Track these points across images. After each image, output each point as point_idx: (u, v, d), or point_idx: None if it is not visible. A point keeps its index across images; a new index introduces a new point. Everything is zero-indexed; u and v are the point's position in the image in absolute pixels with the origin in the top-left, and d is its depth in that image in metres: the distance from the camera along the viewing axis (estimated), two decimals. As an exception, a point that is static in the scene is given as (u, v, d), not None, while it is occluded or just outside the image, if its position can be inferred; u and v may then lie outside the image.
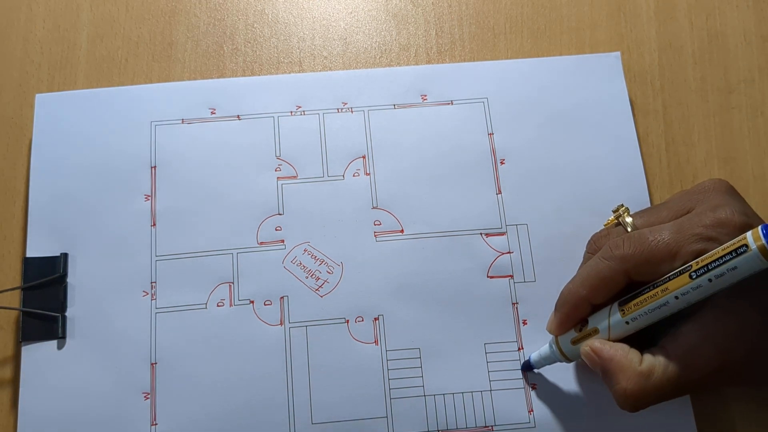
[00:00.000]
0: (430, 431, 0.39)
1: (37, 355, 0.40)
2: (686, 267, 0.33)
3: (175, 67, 0.47)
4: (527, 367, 0.40)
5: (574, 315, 0.37)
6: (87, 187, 0.43)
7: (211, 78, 0.46)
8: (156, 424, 0.39)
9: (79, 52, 0.47)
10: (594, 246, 0.39)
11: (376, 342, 0.41)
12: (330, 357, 0.40)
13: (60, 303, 0.41)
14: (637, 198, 0.43)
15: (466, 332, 0.41)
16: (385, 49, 0.48)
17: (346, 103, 0.45)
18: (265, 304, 0.41)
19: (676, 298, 0.34)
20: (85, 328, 0.41)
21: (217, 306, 0.41)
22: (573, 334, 0.37)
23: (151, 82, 0.46)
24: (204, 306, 0.41)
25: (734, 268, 0.32)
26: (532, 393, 0.40)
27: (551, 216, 0.43)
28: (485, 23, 0.48)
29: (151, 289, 0.41)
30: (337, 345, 0.41)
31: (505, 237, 0.43)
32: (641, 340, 0.36)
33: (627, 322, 0.35)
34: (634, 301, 0.35)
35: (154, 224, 0.42)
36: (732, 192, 0.36)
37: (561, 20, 0.48)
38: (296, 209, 0.43)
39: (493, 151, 0.44)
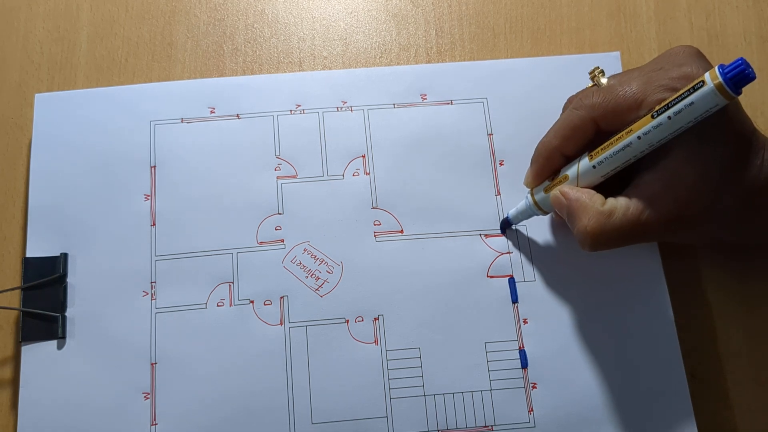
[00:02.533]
0: (430, 431, 0.39)
1: (37, 355, 0.40)
2: (649, 111, 0.36)
3: (175, 67, 0.47)
4: (506, 225, 0.43)
5: (548, 166, 0.40)
6: (87, 186, 0.43)
7: (211, 78, 0.46)
8: (156, 424, 0.39)
9: (79, 52, 0.47)
10: (568, 104, 0.41)
11: (376, 342, 0.41)
12: (330, 357, 0.40)
13: (60, 303, 0.41)
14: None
15: (466, 332, 0.41)
16: (385, 49, 0.48)
17: (345, 102, 0.45)
18: (264, 304, 0.41)
19: (639, 138, 0.36)
20: (85, 328, 0.41)
21: (217, 306, 0.41)
22: (547, 185, 0.40)
23: (150, 82, 0.46)
24: (204, 306, 0.41)
25: (691, 103, 0.34)
26: (532, 393, 0.40)
27: (551, 216, 0.43)
28: (485, 23, 0.48)
29: (151, 289, 0.41)
30: (337, 345, 0.41)
31: (504, 237, 0.43)
32: (609, 195, 0.38)
33: (594, 166, 0.38)
34: (602, 146, 0.37)
35: (154, 224, 0.42)
36: (700, 55, 0.37)
37: (561, 20, 0.48)
38: (296, 209, 0.43)
39: (493, 152, 0.44)
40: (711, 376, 0.41)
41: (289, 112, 0.45)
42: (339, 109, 0.45)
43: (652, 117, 0.35)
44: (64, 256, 0.41)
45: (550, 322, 0.41)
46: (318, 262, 0.42)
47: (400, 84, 0.46)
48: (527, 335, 0.41)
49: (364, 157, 0.44)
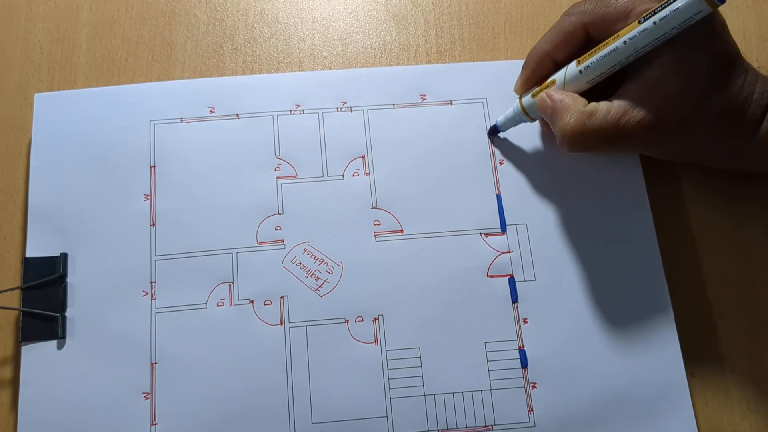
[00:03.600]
0: (430, 431, 0.39)
1: (37, 355, 0.40)
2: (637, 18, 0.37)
3: (174, 67, 0.47)
4: (494, 131, 0.44)
5: (538, 71, 0.42)
6: (87, 186, 0.43)
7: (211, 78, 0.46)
8: (156, 424, 0.39)
9: (79, 52, 0.47)
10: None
11: (376, 342, 0.41)
12: (330, 357, 0.40)
13: (60, 303, 0.41)
14: (637, 197, 0.43)
15: (466, 331, 0.41)
16: (385, 49, 0.48)
17: (345, 103, 0.45)
18: (264, 304, 0.41)
19: (625, 42, 0.37)
20: (85, 328, 0.41)
21: (217, 306, 0.41)
22: (535, 90, 0.41)
23: (150, 81, 0.46)
24: (204, 306, 0.41)
25: (676, 9, 0.35)
26: (533, 392, 0.40)
27: (551, 215, 0.43)
28: (485, 23, 0.48)
29: (151, 289, 0.41)
30: (337, 345, 0.41)
31: (504, 237, 0.43)
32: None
33: (581, 71, 0.39)
34: (589, 52, 0.39)
35: (154, 224, 0.42)
36: None
37: (561, 20, 0.48)
38: (296, 209, 0.43)
39: (492, 152, 0.44)
40: (711, 376, 0.41)
41: (288, 112, 0.45)
42: (339, 109, 0.45)
43: (639, 22, 0.37)
44: (64, 256, 0.41)
45: (550, 322, 0.41)
46: (318, 262, 0.42)
47: (399, 84, 0.46)
48: (527, 335, 0.41)
49: (363, 157, 0.44)
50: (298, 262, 0.42)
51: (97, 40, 0.47)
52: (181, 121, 0.44)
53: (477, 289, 0.42)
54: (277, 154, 0.44)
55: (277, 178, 0.44)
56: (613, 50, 0.38)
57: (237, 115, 0.45)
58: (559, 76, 0.40)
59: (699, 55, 0.37)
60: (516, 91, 0.43)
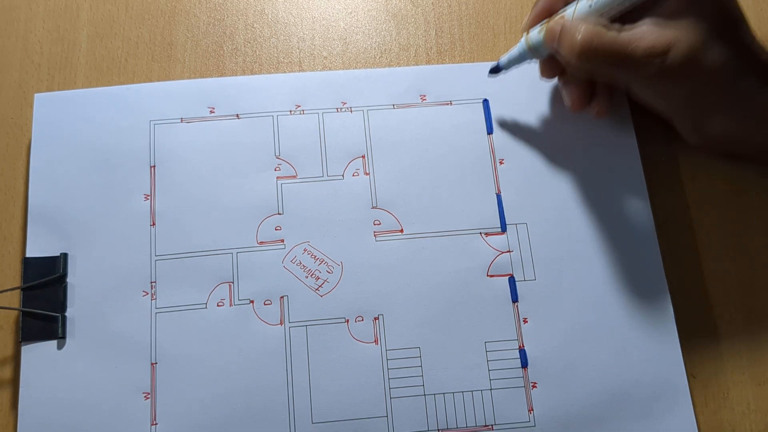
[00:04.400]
0: (430, 430, 0.39)
1: (37, 355, 0.40)
2: None
3: (174, 67, 0.47)
4: (496, 69, 0.44)
5: (547, 7, 0.41)
6: (86, 186, 0.43)
7: (211, 78, 0.46)
8: (156, 424, 0.39)
9: (79, 52, 0.47)
10: None
11: (376, 341, 0.41)
12: (330, 357, 0.40)
13: (60, 303, 0.41)
14: (637, 197, 0.43)
15: (466, 331, 0.41)
16: (385, 49, 0.48)
17: (345, 103, 0.45)
18: (265, 304, 0.41)
19: None
20: (85, 328, 0.40)
21: (217, 306, 0.41)
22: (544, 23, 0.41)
23: (150, 82, 0.46)
24: (204, 306, 0.41)
25: None
26: (533, 392, 0.40)
27: (551, 215, 0.43)
28: (485, 23, 0.48)
29: (151, 289, 0.41)
30: (337, 344, 0.41)
31: (504, 236, 0.43)
32: None
33: (591, 5, 0.39)
34: None
35: (154, 224, 0.42)
36: None
37: (561, 20, 0.48)
38: (296, 209, 0.43)
39: (492, 151, 0.44)
40: (711, 376, 0.41)
41: (288, 113, 0.45)
42: (339, 109, 0.45)
43: None
44: (64, 256, 0.41)
45: (550, 322, 0.41)
46: (318, 262, 0.42)
47: (399, 85, 0.46)
48: (527, 335, 0.41)
49: (363, 157, 0.44)
50: (298, 262, 0.42)
51: (97, 40, 0.47)
52: (181, 121, 0.44)
53: (477, 289, 0.42)
54: (277, 154, 0.44)
55: (277, 178, 0.44)
56: None
57: (237, 115, 0.45)
58: (568, 12, 0.40)
59: (712, 3, 0.38)
60: (523, 29, 0.42)
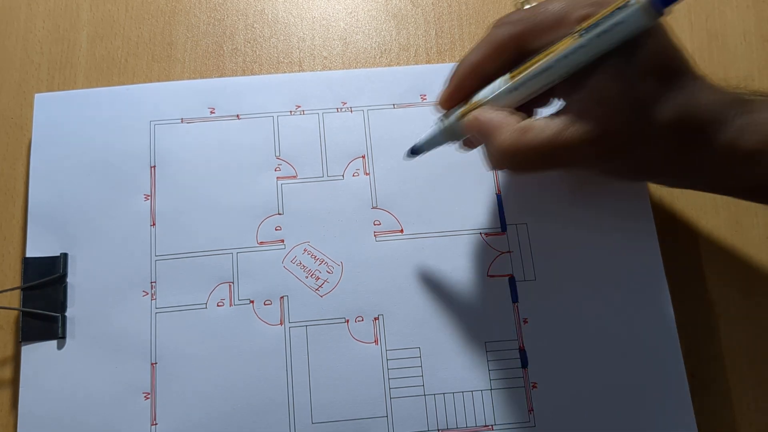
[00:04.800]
0: (430, 430, 0.39)
1: (37, 355, 0.40)
2: (574, 30, 0.34)
3: (174, 67, 0.47)
4: (414, 152, 0.40)
5: (465, 84, 0.37)
6: (87, 186, 0.43)
7: (211, 78, 0.46)
8: (156, 424, 0.39)
9: (79, 52, 0.47)
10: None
11: (376, 342, 0.41)
12: (330, 357, 0.40)
13: (60, 303, 0.41)
14: (637, 197, 0.43)
15: (466, 331, 0.41)
16: (385, 49, 0.48)
17: (345, 103, 0.45)
18: (265, 304, 0.41)
19: (563, 58, 0.34)
20: (85, 328, 0.41)
21: (217, 306, 0.41)
22: (462, 108, 0.37)
23: (150, 82, 0.46)
24: (204, 306, 0.41)
25: (618, 23, 0.32)
26: (533, 392, 0.40)
27: (551, 215, 0.43)
28: (485, 23, 0.48)
29: (151, 289, 0.41)
30: (337, 345, 0.41)
31: (504, 236, 0.43)
32: None
33: (514, 89, 0.35)
34: (521, 68, 0.35)
35: (154, 224, 0.42)
36: None
37: (561, 20, 0.48)
38: (296, 209, 0.43)
39: (493, 151, 0.44)
40: (711, 376, 0.41)
41: (289, 113, 0.45)
42: (339, 109, 0.45)
43: (580, 36, 0.33)
44: (64, 256, 0.41)
45: (550, 322, 0.41)
46: (318, 262, 0.42)
47: (399, 85, 0.46)
48: (527, 335, 0.41)
49: (363, 157, 0.44)
50: (298, 262, 0.42)
51: (97, 40, 0.47)
52: (182, 121, 0.44)
53: (477, 289, 0.42)
54: (278, 154, 0.44)
55: (278, 178, 0.44)
56: (549, 67, 0.34)
57: (237, 115, 0.45)
58: (488, 93, 0.36)
59: (644, 62, 0.33)
60: (440, 105, 0.38)
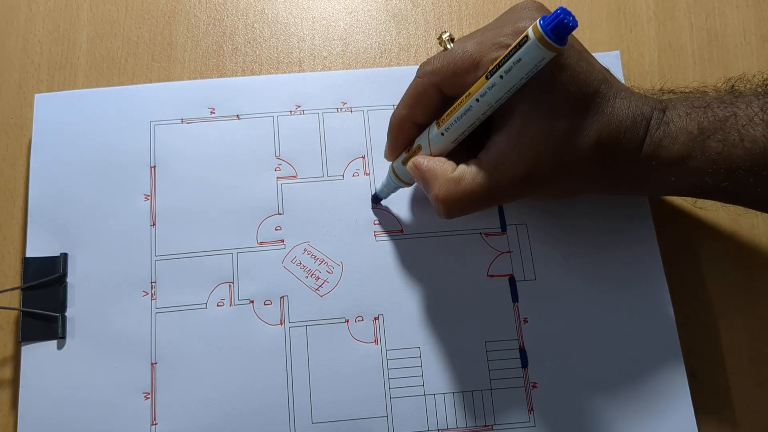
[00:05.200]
0: (430, 430, 0.39)
1: (37, 355, 0.40)
2: (486, 71, 0.35)
3: (174, 67, 0.47)
4: (375, 200, 0.43)
5: (401, 137, 0.39)
6: (87, 186, 0.43)
7: (211, 78, 0.46)
8: (156, 424, 0.39)
9: (79, 52, 0.47)
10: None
11: (376, 341, 0.41)
12: (330, 357, 0.40)
13: (60, 303, 0.41)
14: (636, 198, 0.43)
15: (467, 331, 0.41)
16: (385, 49, 0.48)
17: (345, 103, 0.45)
18: (265, 304, 0.41)
19: (477, 100, 0.35)
20: (85, 328, 0.41)
21: (217, 306, 0.41)
22: (406, 155, 0.39)
23: (150, 82, 0.46)
24: (204, 306, 0.41)
25: (519, 60, 0.33)
26: (533, 392, 0.40)
27: (551, 215, 0.43)
28: (485, 23, 0.48)
29: (151, 289, 0.41)
30: (337, 344, 0.41)
31: (504, 236, 0.43)
32: (470, 158, 0.37)
33: (442, 133, 0.37)
34: (447, 113, 0.37)
35: (154, 224, 0.42)
36: (541, 8, 0.36)
37: (561, 20, 0.48)
38: (296, 209, 0.43)
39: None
40: (711, 376, 0.41)
41: (289, 113, 0.45)
42: (339, 110, 0.45)
43: (486, 78, 0.34)
44: (64, 256, 0.41)
45: (550, 322, 0.41)
46: (318, 262, 0.42)
47: (399, 85, 0.45)
48: (527, 335, 0.41)
49: (363, 157, 0.44)
50: (298, 262, 0.42)
51: (97, 40, 0.47)
52: (182, 121, 0.44)
53: (477, 289, 0.42)
54: (278, 154, 0.44)
55: (278, 178, 0.44)
56: (468, 109, 0.35)
57: (237, 116, 0.45)
58: (423, 140, 0.38)
59: (557, 95, 0.34)
60: (386, 158, 0.41)
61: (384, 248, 0.42)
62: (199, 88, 0.45)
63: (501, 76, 0.34)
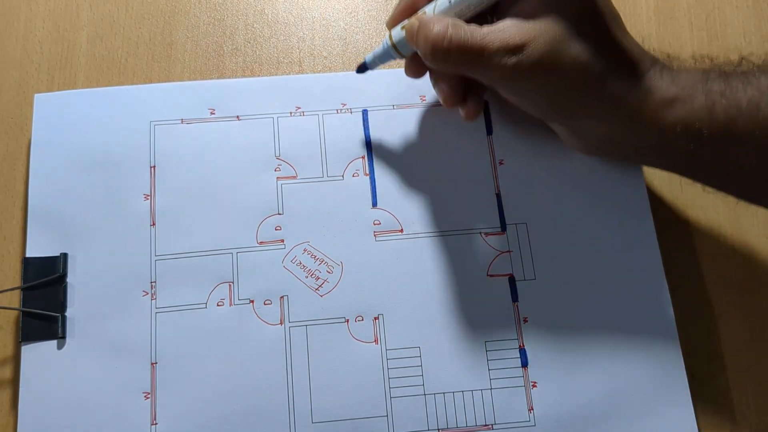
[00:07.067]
0: (430, 430, 0.39)
1: (37, 355, 0.40)
2: None
3: (174, 67, 0.47)
4: (363, 68, 0.42)
5: (412, 2, 0.39)
6: (86, 186, 0.43)
7: (211, 78, 0.46)
8: (156, 424, 0.39)
9: (79, 52, 0.47)
10: None
11: (376, 341, 0.41)
12: (330, 356, 0.40)
13: (60, 303, 0.41)
14: (637, 196, 0.43)
15: (466, 331, 0.41)
16: (385, 49, 0.48)
17: (345, 104, 0.45)
18: (265, 304, 0.41)
19: None
20: (85, 328, 0.40)
21: (217, 306, 0.41)
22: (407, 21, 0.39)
23: (150, 82, 0.46)
24: (204, 306, 0.41)
25: None
26: (533, 391, 0.40)
27: (551, 215, 0.43)
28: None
29: (151, 289, 0.41)
30: (337, 344, 0.41)
31: (504, 236, 0.43)
32: None
33: (450, 2, 0.38)
34: None
35: (154, 224, 0.42)
36: None
37: (560, 20, 0.48)
38: (296, 209, 0.43)
39: (492, 152, 0.44)
40: (711, 376, 0.41)
41: (288, 114, 0.45)
42: (339, 111, 0.45)
43: None
44: (64, 256, 0.41)
45: (550, 321, 0.41)
46: (318, 262, 0.42)
47: (399, 85, 0.46)
48: (527, 334, 0.41)
49: (363, 158, 0.44)
50: (298, 262, 0.42)
51: (97, 40, 0.47)
52: (182, 122, 0.44)
53: (477, 289, 0.42)
54: (278, 155, 0.44)
55: (278, 178, 0.44)
56: None
57: (237, 116, 0.45)
58: (429, 8, 0.38)
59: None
60: (388, 25, 0.41)
61: (384, 248, 0.42)
62: (199, 89, 0.45)
63: None
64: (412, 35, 0.38)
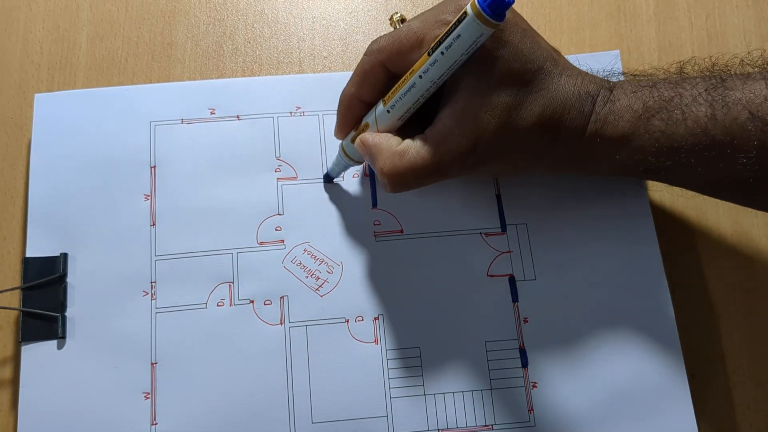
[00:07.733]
0: (430, 430, 0.39)
1: (37, 355, 0.40)
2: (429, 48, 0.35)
3: (174, 67, 0.47)
4: (327, 179, 0.44)
5: (350, 115, 0.40)
6: (86, 186, 0.43)
7: (211, 78, 0.46)
8: (156, 424, 0.39)
9: (79, 52, 0.47)
10: None
11: (376, 341, 0.41)
12: (330, 356, 0.40)
13: (60, 303, 0.41)
14: (637, 197, 0.43)
15: (467, 331, 0.41)
16: (385, 49, 0.48)
17: (345, 103, 0.45)
18: (265, 304, 0.41)
19: (420, 77, 0.35)
20: (85, 328, 0.41)
21: (217, 306, 0.41)
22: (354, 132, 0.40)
23: (150, 82, 0.46)
24: (204, 306, 0.41)
25: (458, 36, 0.33)
26: (533, 392, 0.40)
27: (551, 215, 0.43)
28: (485, 23, 0.48)
29: (151, 289, 0.41)
30: (337, 344, 0.41)
31: (504, 236, 0.43)
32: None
33: (388, 111, 0.37)
34: (392, 90, 0.37)
35: (154, 224, 0.42)
36: None
37: (561, 20, 0.48)
38: (296, 209, 0.43)
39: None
40: (711, 376, 0.41)
41: (289, 114, 0.45)
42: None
43: (428, 54, 0.35)
44: (64, 256, 0.41)
45: (550, 322, 0.41)
46: (318, 262, 0.42)
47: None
48: (527, 334, 0.41)
49: (363, 158, 0.44)
50: (298, 262, 0.42)
51: (97, 40, 0.47)
52: (182, 122, 0.44)
53: (477, 289, 0.42)
54: (278, 155, 0.44)
55: (278, 179, 0.44)
56: (412, 86, 0.36)
57: (237, 116, 0.45)
58: (370, 118, 0.38)
59: (499, 70, 0.35)
60: (335, 137, 0.41)
61: (384, 248, 0.42)
62: (200, 89, 0.45)
63: (442, 53, 0.34)
64: (363, 154, 0.39)
